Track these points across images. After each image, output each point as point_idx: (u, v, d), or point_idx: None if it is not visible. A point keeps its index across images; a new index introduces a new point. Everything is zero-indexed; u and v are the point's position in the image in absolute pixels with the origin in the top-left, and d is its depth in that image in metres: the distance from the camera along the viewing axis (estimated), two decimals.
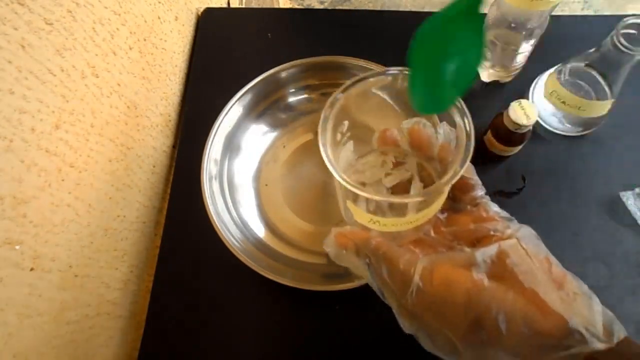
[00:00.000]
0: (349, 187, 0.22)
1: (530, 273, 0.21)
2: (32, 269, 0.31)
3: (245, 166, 0.51)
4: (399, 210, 0.25)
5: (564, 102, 0.49)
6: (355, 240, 0.25)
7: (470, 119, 0.23)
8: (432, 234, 0.27)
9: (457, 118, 0.23)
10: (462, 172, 0.22)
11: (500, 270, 0.22)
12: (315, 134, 0.29)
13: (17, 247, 0.30)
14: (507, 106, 0.46)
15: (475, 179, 0.27)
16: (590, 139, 0.52)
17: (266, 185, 0.51)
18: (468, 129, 0.23)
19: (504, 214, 0.27)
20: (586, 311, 0.21)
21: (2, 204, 0.28)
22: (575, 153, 0.52)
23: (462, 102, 0.23)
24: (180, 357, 0.44)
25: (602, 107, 0.48)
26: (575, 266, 0.45)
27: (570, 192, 0.50)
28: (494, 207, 0.27)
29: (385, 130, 0.28)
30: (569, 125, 0.51)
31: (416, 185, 0.28)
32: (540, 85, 0.53)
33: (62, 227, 0.35)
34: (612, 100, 0.47)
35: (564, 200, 0.49)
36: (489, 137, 0.50)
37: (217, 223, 0.43)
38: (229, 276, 0.47)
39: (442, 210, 0.27)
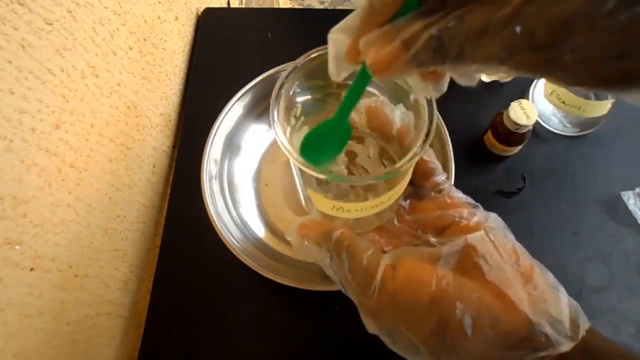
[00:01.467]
0: (309, 171, 0.21)
1: (498, 268, 0.21)
2: (32, 269, 0.31)
3: (245, 166, 0.51)
4: (361, 193, 0.25)
5: (564, 102, 0.49)
6: (317, 231, 0.24)
7: (433, 100, 0.22)
8: (396, 222, 0.26)
9: (420, 99, 0.23)
10: (422, 154, 0.21)
11: (467, 264, 0.21)
12: None
13: (17, 247, 0.30)
14: (507, 106, 0.46)
15: (435, 163, 0.26)
16: (590, 139, 0.52)
17: (266, 185, 0.51)
18: (429, 109, 0.22)
19: (469, 199, 0.26)
20: (553, 306, 0.20)
21: (2, 204, 0.28)
22: (575, 153, 0.52)
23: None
24: (181, 356, 0.44)
25: (602, 107, 0.48)
26: (575, 266, 0.46)
27: (571, 192, 0.50)
28: (458, 193, 0.26)
29: None
30: (569, 125, 0.51)
31: (375, 166, 0.27)
32: (540, 85, 0.53)
33: (62, 227, 0.35)
34: (612, 100, 0.47)
35: (564, 200, 0.49)
36: (489, 137, 0.50)
37: (217, 223, 0.43)
38: (229, 276, 0.47)
39: (405, 198, 0.27)
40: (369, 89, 0.26)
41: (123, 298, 0.45)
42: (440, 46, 0.15)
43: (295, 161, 0.22)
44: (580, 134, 0.52)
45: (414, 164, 0.22)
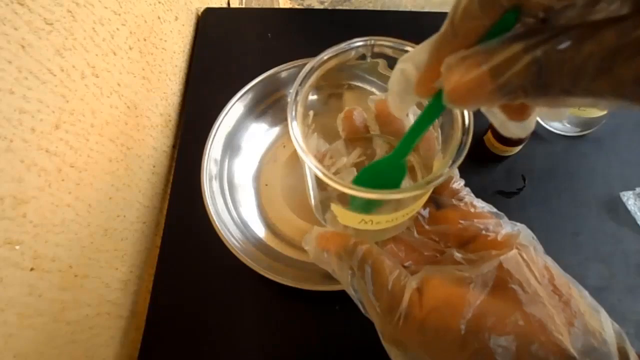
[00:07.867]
0: (334, 184, 0.19)
1: (535, 298, 0.19)
2: (32, 269, 0.31)
3: (245, 166, 0.51)
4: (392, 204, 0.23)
5: None
6: (339, 244, 0.22)
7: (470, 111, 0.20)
8: (415, 233, 0.24)
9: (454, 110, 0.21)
10: (451, 172, 0.20)
11: (500, 288, 0.19)
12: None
13: (17, 247, 0.30)
14: None
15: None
16: (590, 139, 0.52)
17: (266, 185, 0.51)
18: (467, 122, 0.20)
19: (492, 208, 0.24)
20: (598, 336, 0.18)
21: (2, 204, 0.28)
22: (575, 153, 0.52)
23: None
24: (181, 357, 0.44)
25: None
26: (575, 266, 0.46)
27: (570, 192, 0.50)
28: (480, 202, 0.24)
29: (350, 110, 0.25)
30: (569, 125, 0.51)
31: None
32: None
33: (62, 227, 0.35)
34: None
35: (564, 200, 0.49)
36: (489, 137, 0.50)
37: (217, 223, 0.43)
38: (229, 276, 0.47)
39: (423, 206, 0.25)
40: (381, 83, 0.24)
41: (123, 298, 0.45)
42: (544, 74, 0.12)
43: (336, 184, 0.19)
44: (580, 134, 0.52)
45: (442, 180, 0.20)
